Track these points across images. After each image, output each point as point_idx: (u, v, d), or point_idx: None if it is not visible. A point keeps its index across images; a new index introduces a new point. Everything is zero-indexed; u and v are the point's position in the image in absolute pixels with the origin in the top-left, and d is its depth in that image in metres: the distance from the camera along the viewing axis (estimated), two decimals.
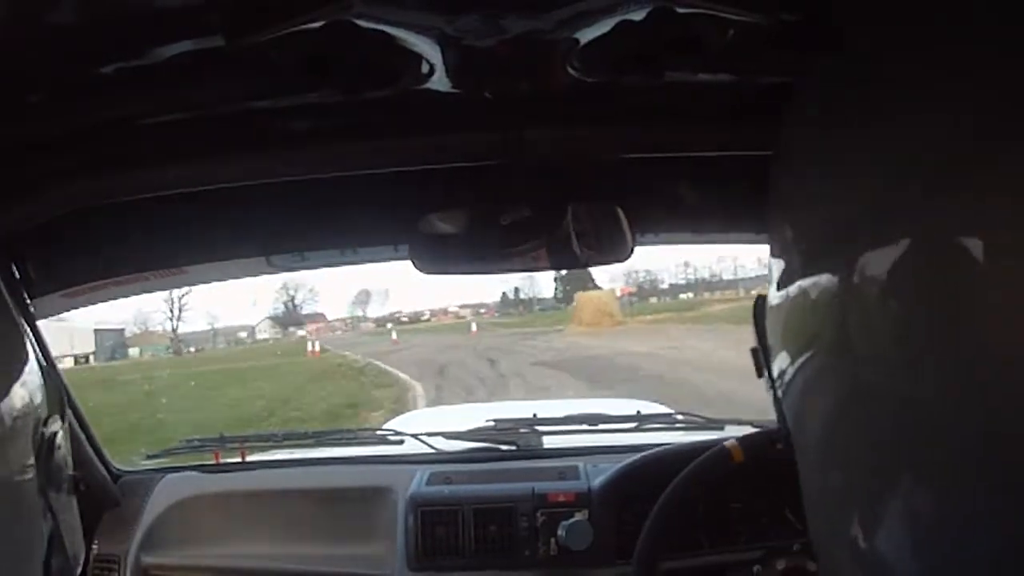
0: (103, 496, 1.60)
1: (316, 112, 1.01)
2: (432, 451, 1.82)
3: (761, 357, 0.83)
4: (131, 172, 1.05)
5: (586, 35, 0.80)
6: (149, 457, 1.88)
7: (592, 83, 0.91)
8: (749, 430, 1.50)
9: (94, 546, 1.57)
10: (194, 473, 1.75)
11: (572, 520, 1.50)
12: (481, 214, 1.23)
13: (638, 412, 1.97)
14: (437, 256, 1.25)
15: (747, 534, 1.51)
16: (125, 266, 1.40)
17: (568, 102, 0.99)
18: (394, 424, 2.49)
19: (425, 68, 0.86)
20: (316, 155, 1.07)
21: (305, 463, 1.85)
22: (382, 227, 1.38)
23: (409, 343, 21.64)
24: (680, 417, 1.95)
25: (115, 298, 1.60)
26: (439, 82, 0.89)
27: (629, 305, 24.70)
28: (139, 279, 1.44)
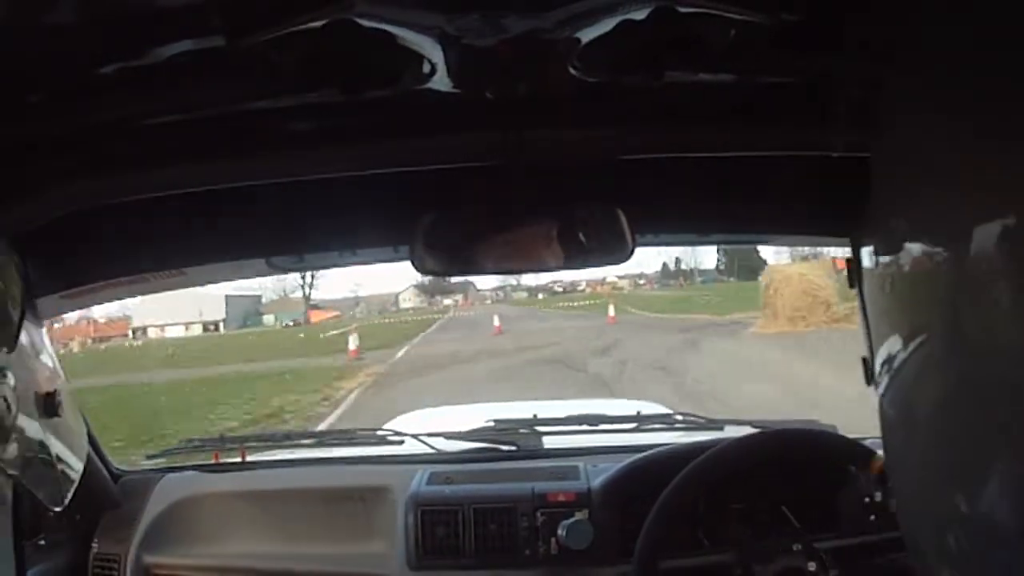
0: (103, 496, 1.60)
1: (317, 112, 1.00)
2: (432, 451, 1.83)
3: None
4: (131, 173, 1.05)
5: (587, 34, 0.80)
6: (149, 457, 1.88)
7: (593, 83, 0.91)
8: (749, 430, 1.50)
9: (94, 545, 1.58)
10: (194, 473, 1.75)
11: (572, 520, 1.50)
12: (481, 215, 1.23)
13: (638, 412, 1.97)
14: (437, 257, 1.24)
15: (747, 534, 1.51)
16: (124, 267, 1.40)
17: (569, 102, 0.99)
18: (394, 424, 2.49)
19: (426, 68, 0.86)
20: (316, 156, 1.06)
21: (305, 463, 1.85)
22: (382, 228, 1.38)
23: (509, 335, 16.41)
24: (680, 417, 1.96)
25: (114, 299, 1.60)
26: (440, 82, 0.89)
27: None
28: (138, 280, 1.44)
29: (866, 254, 0.77)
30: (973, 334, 0.58)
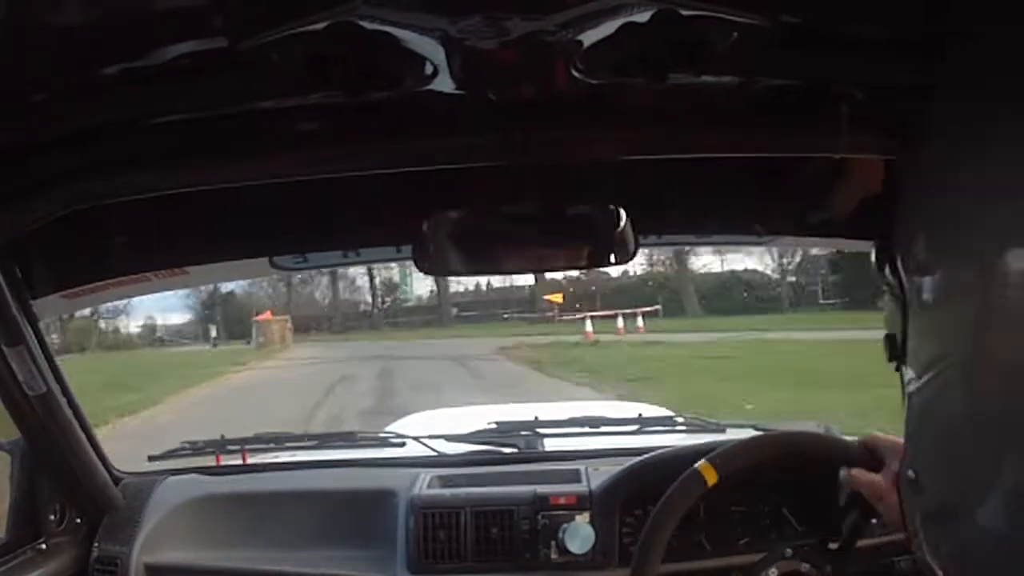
0: (103, 498, 1.60)
1: (319, 113, 1.01)
2: (434, 454, 1.83)
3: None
4: (134, 173, 1.05)
5: (589, 37, 0.80)
6: (150, 459, 1.88)
7: (596, 85, 0.91)
8: (751, 432, 1.50)
9: (95, 547, 1.57)
10: (195, 476, 1.75)
11: (573, 523, 1.50)
12: (484, 215, 1.23)
13: (639, 415, 1.97)
14: (440, 257, 1.25)
15: (748, 537, 1.51)
16: (127, 267, 1.40)
17: (571, 104, 0.99)
18: (396, 427, 2.49)
19: (428, 69, 0.85)
20: (319, 156, 1.06)
21: (306, 466, 1.85)
22: (385, 228, 1.38)
23: None
24: (681, 419, 1.96)
25: (115, 299, 1.60)
26: (442, 83, 0.89)
27: None
28: (141, 279, 1.44)
29: (899, 258, 0.77)
30: (1002, 352, 0.58)
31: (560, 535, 1.50)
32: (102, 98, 0.89)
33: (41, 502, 1.52)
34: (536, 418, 1.92)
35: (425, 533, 1.53)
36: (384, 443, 1.95)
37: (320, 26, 0.74)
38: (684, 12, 0.75)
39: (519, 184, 1.18)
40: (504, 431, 1.89)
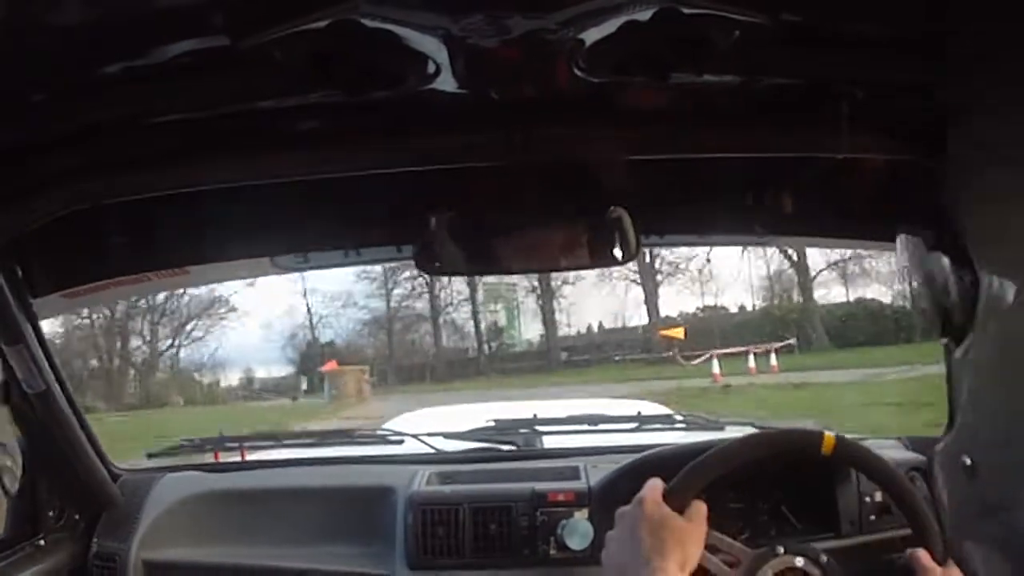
0: (102, 495, 1.60)
1: (321, 112, 1.01)
2: (432, 451, 1.83)
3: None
4: (135, 172, 1.05)
5: (591, 35, 0.80)
6: (149, 456, 1.88)
7: (598, 83, 0.91)
8: (751, 430, 1.50)
9: (93, 543, 1.57)
10: (194, 473, 1.75)
11: (572, 519, 1.50)
12: (485, 215, 1.23)
13: (638, 412, 1.97)
14: (441, 257, 1.25)
15: (748, 534, 1.51)
16: (128, 266, 1.40)
17: (573, 103, 0.99)
18: (394, 424, 2.50)
19: (431, 68, 0.86)
20: (320, 156, 1.07)
21: (305, 463, 1.85)
22: (386, 228, 1.38)
23: None
24: (680, 417, 1.96)
25: (116, 299, 1.61)
26: (445, 82, 0.89)
27: None
28: (141, 279, 1.44)
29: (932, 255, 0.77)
30: None
31: (559, 531, 1.50)
32: (103, 96, 0.89)
33: (40, 499, 1.52)
34: (535, 415, 1.93)
35: (424, 529, 1.53)
36: (383, 440, 1.95)
37: (322, 24, 0.74)
38: (685, 10, 0.75)
39: (520, 184, 1.19)
40: (503, 428, 1.90)
